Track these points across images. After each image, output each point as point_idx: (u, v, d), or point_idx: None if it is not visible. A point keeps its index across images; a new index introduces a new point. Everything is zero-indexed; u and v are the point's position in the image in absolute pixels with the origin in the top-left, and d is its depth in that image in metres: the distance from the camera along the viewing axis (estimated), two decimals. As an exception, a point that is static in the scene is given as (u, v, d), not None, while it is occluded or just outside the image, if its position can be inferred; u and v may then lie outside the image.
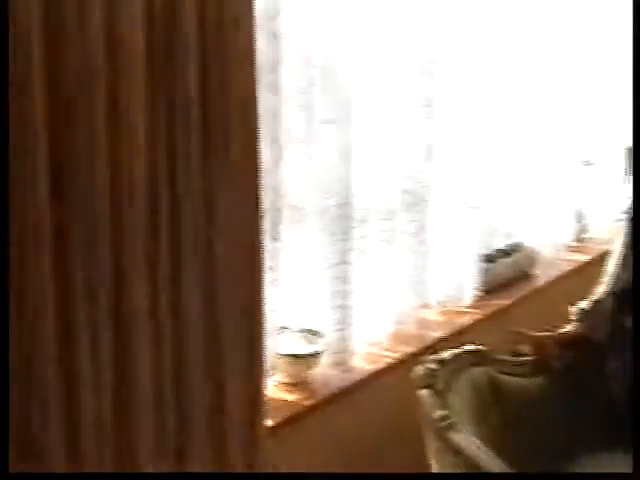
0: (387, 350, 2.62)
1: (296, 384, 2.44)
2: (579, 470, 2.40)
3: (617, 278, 2.80)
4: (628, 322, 2.56)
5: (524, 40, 2.94)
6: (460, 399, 2.25)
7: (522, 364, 2.57)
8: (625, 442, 2.40)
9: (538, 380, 2.56)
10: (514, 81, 2.94)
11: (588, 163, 3.30)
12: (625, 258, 2.88)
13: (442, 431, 2.06)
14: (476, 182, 2.83)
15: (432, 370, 2.27)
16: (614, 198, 3.43)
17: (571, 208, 3.28)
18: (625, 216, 2.92)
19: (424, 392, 2.16)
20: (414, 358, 2.60)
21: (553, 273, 3.15)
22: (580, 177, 3.30)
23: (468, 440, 2.04)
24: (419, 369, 2.26)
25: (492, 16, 2.78)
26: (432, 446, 2.14)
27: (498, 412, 2.37)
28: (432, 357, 2.32)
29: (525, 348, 2.64)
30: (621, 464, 2.28)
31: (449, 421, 2.06)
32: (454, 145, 2.76)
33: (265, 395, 2.12)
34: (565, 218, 3.26)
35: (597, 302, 2.81)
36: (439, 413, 2.08)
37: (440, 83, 2.63)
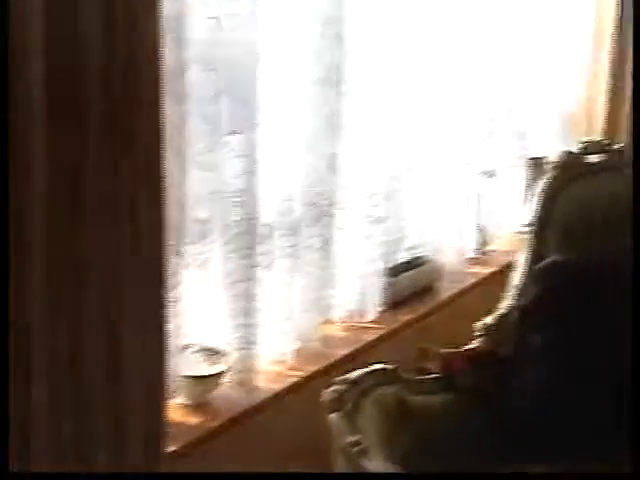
0: (292, 369, 2.56)
1: (199, 406, 2.37)
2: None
3: (523, 293, 2.81)
4: (533, 339, 2.56)
5: (428, 57, 2.91)
6: (369, 421, 2.19)
7: (429, 382, 2.54)
8: (534, 455, 2.42)
9: (445, 397, 2.54)
10: (415, 92, 2.89)
11: (490, 174, 3.29)
12: (529, 272, 2.89)
13: (354, 457, 2.00)
14: (379, 194, 2.78)
15: (340, 392, 2.22)
16: (516, 210, 3.44)
17: (473, 220, 3.27)
18: (528, 228, 2.93)
19: (333, 416, 2.10)
20: (319, 376, 2.56)
21: (457, 286, 3.13)
22: (482, 189, 3.29)
23: (381, 467, 1.99)
24: (327, 392, 2.20)
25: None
26: (343, 471, 2.09)
27: (407, 433, 2.33)
28: (340, 378, 2.27)
29: (431, 365, 2.62)
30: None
31: (361, 447, 2.01)
32: (358, 156, 2.71)
33: (167, 418, 2.05)
34: (467, 230, 3.24)
35: (502, 317, 2.80)
36: (350, 439, 2.02)
37: (345, 93, 2.57)
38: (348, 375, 2.29)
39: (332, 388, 2.21)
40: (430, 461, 2.34)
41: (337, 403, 2.16)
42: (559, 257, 2.62)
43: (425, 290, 3.06)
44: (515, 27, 3.24)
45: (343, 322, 2.80)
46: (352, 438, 2.02)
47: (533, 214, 2.96)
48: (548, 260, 2.62)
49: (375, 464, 1.99)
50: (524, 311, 2.59)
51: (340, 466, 2.08)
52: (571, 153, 3.08)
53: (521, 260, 2.91)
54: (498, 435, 2.52)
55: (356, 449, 2.00)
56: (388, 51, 2.66)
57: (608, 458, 2.32)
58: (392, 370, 2.39)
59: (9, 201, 1.64)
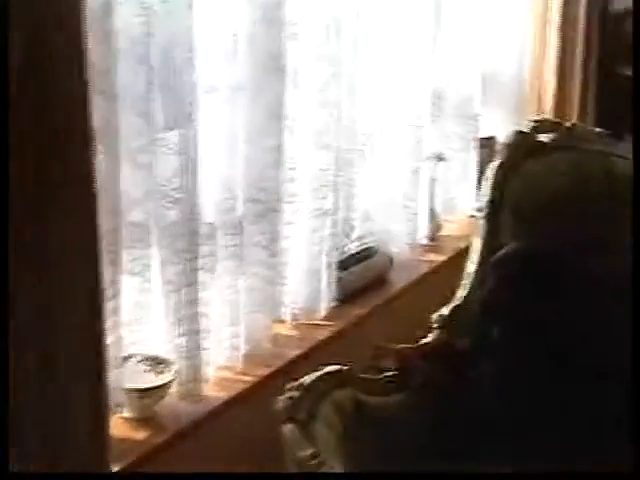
0: (242, 374, 2.44)
1: (144, 420, 2.25)
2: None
3: (480, 282, 2.72)
4: (495, 331, 2.48)
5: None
6: (326, 428, 2.09)
7: (385, 381, 2.44)
8: (497, 451, 2.35)
9: (402, 396, 2.44)
10: (358, 73, 2.77)
11: (440, 158, 3.19)
12: (485, 259, 2.80)
13: (312, 470, 1.90)
14: (325, 186, 2.66)
15: (293, 400, 2.11)
16: (468, 193, 3.36)
17: (424, 206, 3.17)
18: (481, 213, 2.84)
19: (288, 427, 1.99)
20: (271, 381, 2.46)
21: (410, 276, 3.03)
22: (432, 173, 3.20)
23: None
24: (280, 400, 2.09)
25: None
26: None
27: (366, 437, 2.23)
28: (292, 384, 2.16)
29: (387, 363, 2.52)
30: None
31: (319, 459, 1.90)
32: (302, 148, 2.60)
33: (110, 435, 1.93)
34: (419, 217, 3.14)
35: (459, 307, 2.71)
36: (307, 451, 1.91)
37: (287, 81, 2.45)
38: (301, 380, 2.18)
39: (285, 396, 2.11)
40: (391, 464, 2.27)
41: (291, 412, 2.05)
42: (516, 245, 2.52)
43: (377, 282, 2.95)
44: (462, 6, 3.15)
45: (294, 321, 2.69)
46: (308, 450, 1.91)
47: (485, 197, 2.88)
48: (505, 249, 2.52)
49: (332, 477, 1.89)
50: (481, 302, 2.48)
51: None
52: (522, 132, 3.00)
53: (476, 246, 2.83)
54: (456, 432, 2.46)
55: (314, 462, 1.89)
56: (330, 35, 2.54)
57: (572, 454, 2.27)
58: (347, 371, 2.28)
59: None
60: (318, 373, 2.22)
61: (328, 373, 2.24)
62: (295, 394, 2.13)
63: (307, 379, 2.18)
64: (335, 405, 2.18)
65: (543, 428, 2.37)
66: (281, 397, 2.10)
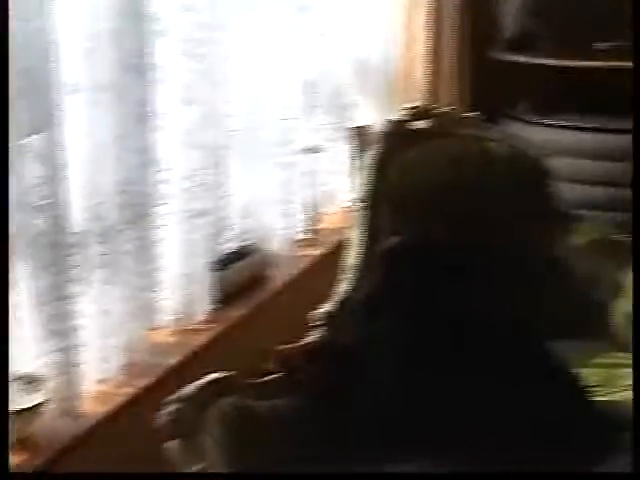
0: (121, 387, 2.35)
1: (19, 442, 2.12)
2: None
3: (361, 276, 2.68)
4: (382, 326, 2.44)
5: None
6: (212, 439, 2.02)
7: (270, 384, 2.38)
8: (394, 450, 2.31)
9: (290, 398, 2.38)
10: (227, 68, 2.69)
11: (315, 150, 3.14)
12: (366, 252, 2.76)
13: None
14: (198, 186, 2.57)
15: (174, 413, 2.03)
16: (345, 185, 3.32)
17: (300, 199, 3.11)
18: (360, 204, 2.80)
19: (171, 444, 1.92)
20: (151, 392, 2.37)
21: (291, 272, 2.97)
22: (307, 165, 3.14)
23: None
24: (161, 414, 2.01)
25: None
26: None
27: (256, 444, 2.16)
28: (173, 397, 2.08)
29: (272, 365, 2.46)
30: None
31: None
32: (172, 148, 2.50)
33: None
34: (295, 211, 3.08)
35: (341, 303, 2.67)
36: (193, 468, 1.84)
37: (153, 80, 2.36)
38: (181, 392, 2.10)
39: (166, 410, 2.03)
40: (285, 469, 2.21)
41: (173, 427, 1.98)
42: (403, 237, 2.48)
43: (258, 280, 2.89)
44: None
45: (173, 327, 2.60)
46: (195, 467, 1.84)
47: (363, 188, 2.84)
48: (391, 241, 2.47)
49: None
50: (366, 297, 2.43)
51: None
52: (396, 120, 2.97)
53: (355, 238, 2.79)
54: (346, 434, 2.41)
55: (201, 480, 1.83)
56: (195, 30, 2.46)
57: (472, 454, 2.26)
58: (230, 378, 2.21)
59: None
60: (199, 382, 2.14)
61: (210, 382, 2.17)
62: (176, 407, 2.05)
63: (187, 390, 2.10)
64: (220, 415, 2.11)
65: (440, 424, 2.36)
66: (162, 411, 2.03)
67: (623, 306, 2.93)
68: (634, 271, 2.50)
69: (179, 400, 2.05)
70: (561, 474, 2.15)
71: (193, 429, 1.99)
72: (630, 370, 2.77)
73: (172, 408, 2.02)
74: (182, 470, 1.86)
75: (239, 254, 2.85)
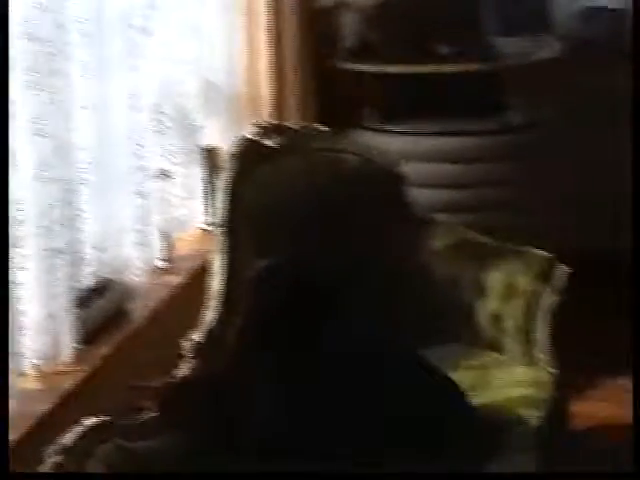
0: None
1: None
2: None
3: (228, 302, 2.61)
4: (260, 354, 2.37)
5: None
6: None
7: (148, 423, 2.28)
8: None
9: (170, 436, 2.29)
10: (73, 97, 2.57)
11: (165, 174, 3.04)
12: (230, 277, 2.69)
13: None
14: (54, 222, 2.43)
15: (57, 466, 1.91)
16: (196, 208, 3.24)
17: (154, 227, 3.00)
18: (218, 229, 2.73)
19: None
20: (23, 445, 2.23)
21: (152, 303, 2.87)
22: (158, 191, 3.04)
23: None
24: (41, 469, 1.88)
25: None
26: None
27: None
28: (52, 449, 1.96)
29: (146, 403, 2.36)
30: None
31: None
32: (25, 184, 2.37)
33: None
34: (149, 239, 2.97)
35: (209, 332, 2.59)
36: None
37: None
38: (62, 442, 1.98)
39: (47, 464, 1.90)
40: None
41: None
42: (267, 262, 2.43)
43: (119, 315, 2.77)
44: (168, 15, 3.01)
45: (37, 372, 2.46)
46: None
47: (219, 212, 2.77)
48: (256, 268, 2.42)
49: None
50: (239, 327, 2.36)
51: None
52: (247, 139, 2.92)
53: (217, 263, 2.71)
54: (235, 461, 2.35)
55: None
56: (41, 61, 2.33)
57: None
58: (107, 422, 2.10)
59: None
60: (77, 430, 2.02)
61: (88, 428, 2.05)
62: (57, 459, 1.93)
63: (66, 440, 1.99)
64: (103, 463, 2.01)
65: (323, 438, 2.32)
66: (42, 465, 1.90)
67: (487, 306, 2.97)
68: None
69: (60, 452, 1.94)
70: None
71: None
72: (501, 370, 2.83)
73: (51, 459, 1.90)
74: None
75: (98, 290, 2.72)
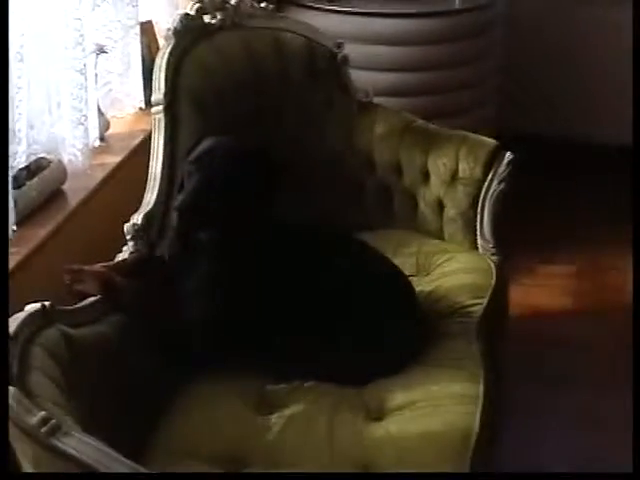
0: None
1: None
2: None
3: (170, 183, 2.51)
4: (202, 235, 2.28)
5: None
6: (46, 379, 1.82)
7: (90, 308, 2.18)
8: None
9: (112, 320, 2.19)
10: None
11: (101, 49, 2.87)
12: (170, 157, 2.58)
13: (44, 439, 1.63)
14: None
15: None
16: (132, 85, 3.08)
17: (90, 104, 2.84)
18: (156, 107, 2.60)
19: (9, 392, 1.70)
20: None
21: (88, 184, 2.70)
22: (94, 67, 2.86)
23: (81, 444, 1.64)
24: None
25: None
26: (27, 452, 1.71)
27: (84, 376, 1.98)
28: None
29: (88, 287, 2.26)
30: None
31: (52, 424, 1.64)
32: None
33: None
34: (87, 117, 2.80)
35: (151, 214, 2.49)
36: (36, 418, 1.64)
37: None
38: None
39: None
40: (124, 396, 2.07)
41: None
42: (214, 139, 2.30)
43: (54, 196, 2.62)
44: None
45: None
46: (36, 417, 1.64)
47: (160, 89, 2.63)
48: (203, 144, 2.29)
49: (72, 440, 1.64)
50: (183, 204, 2.24)
51: (21, 446, 1.71)
52: (187, 15, 2.78)
53: (157, 143, 2.59)
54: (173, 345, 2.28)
55: (44, 429, 1.63)
56: None
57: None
58: (49, 307, 1.99)
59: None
60: (20, 316, 1.92)
61: (29, 315, 1.95)
62: (-1, 348, 1.83)
63: (10, 326, 1.87)
64: (46, 349, 1.90)
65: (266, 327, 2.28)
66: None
67: (430, 193, 2.92)
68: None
69: (2, 339, 1.83)
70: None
71: (22, 371, 1.79)
72: (444, 257, 2.79)
73: (-4, 349, 1.80)
74: (21, 421, 1.66)
75: (33, 169, 2.57)
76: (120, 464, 1.61)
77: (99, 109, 2.91)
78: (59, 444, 1.62)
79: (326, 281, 2.33)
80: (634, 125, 2.74)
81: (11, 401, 1.66)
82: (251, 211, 2.26)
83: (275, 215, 2.35)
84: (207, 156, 2.25)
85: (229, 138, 2.34)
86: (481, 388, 2.22)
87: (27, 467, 1.71)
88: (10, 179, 2.35)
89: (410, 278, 2.55)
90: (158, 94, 2.61)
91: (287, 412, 2.15)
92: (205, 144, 2.30)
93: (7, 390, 1.59)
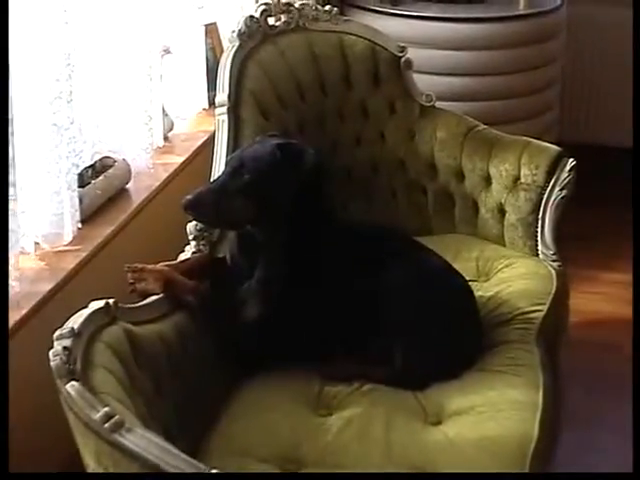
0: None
1: None
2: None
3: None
4: (262, 237, 2.29)
5: None
6: (110, 377, 1.82)
7: (153, 306, 2.19)
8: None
9: (176, 319, 2.20)
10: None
11: (166, 51, 2.91)
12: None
13: (107, 434, 1.65)
14: (58, 97, 2.30)
15: (66, 350, 1.82)
16: (197, 86, 3.11)
17: (155, 104, 2.87)
18: (220, 108, 2.62)
19: (69, 387, 1.72)
20: (25, 324, 2.16)
21: (152, 184, 2.75)
22: (160, 68, 2.90)
23: (143, 440, 1.65)
24: (52, 353, 1.80)
25: None
26: (90, 446, 1.73)
27: (145, 374, 1.99)
28: (58, 332, 1.87)
29: (151, 285, 2.27)
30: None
31: (115, 419, 1.66)
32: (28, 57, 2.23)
33: None
34: (152, 117, 2.84)
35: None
36: (99, 414, 1.66)
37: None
38: (70, 325, 1.89)
39: (53, 350, 1.82)
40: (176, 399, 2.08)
41: (67, 366, 1.78)
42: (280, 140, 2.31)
43: (118, 195, 2.66)
44: None
45: (39, 251, 2.38)
46: (100, 412, 1.66)
47: (224, 90, 2.65)
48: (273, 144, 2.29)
49: (134, 437, 1.66)
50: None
51: (85, 441, 1.73)
52: (252, 17, 2.80)
53: (220, 144, 2.61)
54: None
55: (108, 425, 1.65)
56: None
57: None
58: (113, 304, 2.01)
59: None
60: (84, 313, 1.94)
61: (95, 311, 1.97)
62: (66, 342, 1.84)
63: (75, 322, 1.90)
64: (110, 347, 1.92)
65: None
66: (52, 349, 1.82)
67: (491, 198, 2.90)
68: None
69: (68, 335, 1.85)
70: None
71: (86, 367, 1.81)
72: (504, 263, 2.77)
73: (62, 344, 1.82)
74: (84, 415, 1.69)
75: (99, 168, 2.61)
76: (182, 462, 1.62)
77: (163, 110, 2.94)
78: (123, 440, 1.63)
79: (386, 284, 2.33)
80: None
81: (75, 396, 1.68)
82: (310, 214, 2.26)
83: (336, 218, 2.36)
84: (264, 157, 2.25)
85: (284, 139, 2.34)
86: (540, 395, 2.20)
87: (89, 460, 1.74)
88: (75, 177, 2.39)
89: (470, 283, 2.53)
90: (222, 95, 2.62)
91: (345, 414, 2.15)
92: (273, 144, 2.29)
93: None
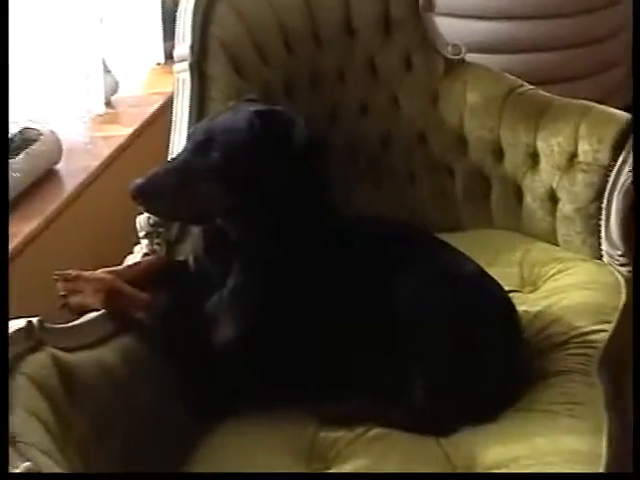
0: None
1: None
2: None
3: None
4: (238, 235, 2.30)
5: None
6: (27, 416, 1.83)
7: (91, 326, 2.21)
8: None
9: (121, 344, 2.22)
10: None
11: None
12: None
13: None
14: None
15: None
16: (149, 34, 3.14)
17: (94, 57, 2.89)
18: (181, 63, 2.63)
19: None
20: None
21: (88, 163, 2.77)
22: (100, 8, 2.93)
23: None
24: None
25: None
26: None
27: (82, 416, 2.00)
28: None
29: (88, 299, 2.28)
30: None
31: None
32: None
33: None
34: (88, 74, 2.87)
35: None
36: (18, 470, 1.65)
37: None
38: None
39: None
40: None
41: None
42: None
43: (46, 176, 2.67)
44: None
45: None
46: (18, 469, 1.65)
47: (183, 40, 2.67)
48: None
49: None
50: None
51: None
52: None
53: (180, 106, 2.63)
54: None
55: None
56: None
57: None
58: (38, 324, 2.00)
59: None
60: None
61: (14, 333, 1.96)
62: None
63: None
64: (33, 380, 1.92)
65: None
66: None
67: (540, 181, 2.92)
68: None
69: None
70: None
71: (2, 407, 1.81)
72: (556, 266, 2.79)
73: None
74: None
75: (21, 142, 2.62)
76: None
77: (105, 64, 2.97)
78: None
79: (401, 298, 2.34)
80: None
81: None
82: (299, 204, 2.27)
83: (334, 210, 2.37)
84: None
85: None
86: (604, 442, 2.21)
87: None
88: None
89: (511, 295, 2.56)
90: (183, 47, 2.65)
91: (347, 468, 2.16)
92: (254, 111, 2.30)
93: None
